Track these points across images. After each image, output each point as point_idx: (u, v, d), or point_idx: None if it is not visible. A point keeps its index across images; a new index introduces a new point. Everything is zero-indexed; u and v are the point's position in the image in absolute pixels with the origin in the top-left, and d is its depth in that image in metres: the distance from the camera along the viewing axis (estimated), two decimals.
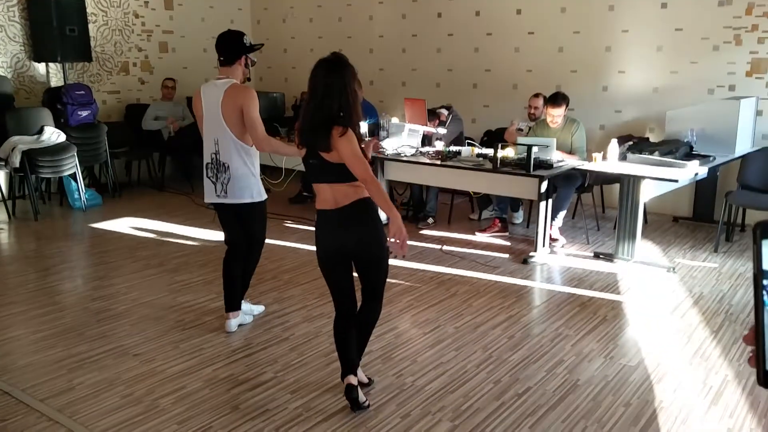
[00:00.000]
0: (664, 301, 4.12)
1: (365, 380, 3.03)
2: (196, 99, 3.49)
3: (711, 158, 4.97)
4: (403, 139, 5.62)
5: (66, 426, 2.71)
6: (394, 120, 5.96)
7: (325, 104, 2.60)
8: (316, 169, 2.69)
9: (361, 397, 2.84)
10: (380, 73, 7.73)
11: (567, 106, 5.19)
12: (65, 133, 6.36)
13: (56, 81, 6.95)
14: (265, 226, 3.68)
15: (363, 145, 2.74)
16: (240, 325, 3.70)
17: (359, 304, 2.90)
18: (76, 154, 6.25)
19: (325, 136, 2.60)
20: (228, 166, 3.42)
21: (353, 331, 2.86)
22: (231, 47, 3.43)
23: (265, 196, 3.57)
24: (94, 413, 2.81)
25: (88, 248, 5.38)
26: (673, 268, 4.65)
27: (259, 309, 3.90)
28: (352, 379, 2.81)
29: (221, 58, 3.44)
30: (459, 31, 7.11)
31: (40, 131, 6.22)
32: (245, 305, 3.79)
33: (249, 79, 3.64)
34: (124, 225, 5.89)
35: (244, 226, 3.58)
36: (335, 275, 2.81)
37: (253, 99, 3.36)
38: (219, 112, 3.36)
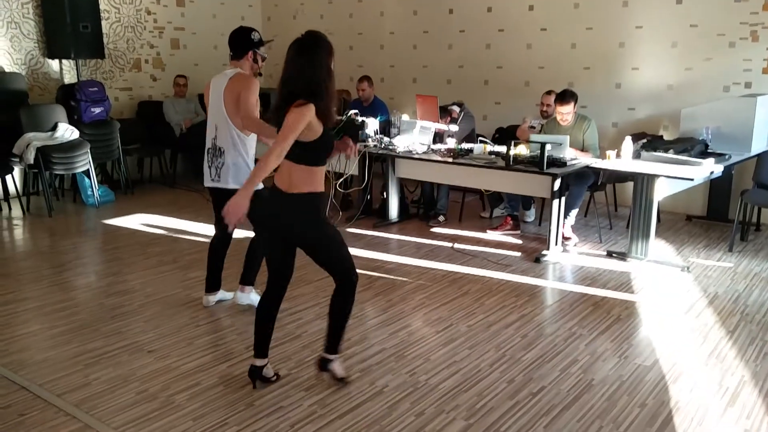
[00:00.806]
0: (678, 300, 4.10)
1: (341, 374, 3.03)
2: (207, 90, 3.67)
3: (726, 156, 4.93)
4: (415, 136, 5.61)
5: (83, 421, 2.73)
6: (405, 117, 5.95)
7: (290, 82, 2.62)
8: None
9: (268, 372, 3.01)
10: (391, 70, 7.71)
11: (576, 103, 5.16)
12: (78, 129, 6.40)
13: (69, 78, 6.99)
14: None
15: (336, 140, 2.84)
16: (219, 301, 3.96)
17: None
18: (89, 150, 6.29)
19: (285, 112, 2.60)
20: (223, 151, 3.57)
21: (275, 316, 2.95)
22: (239, 42, 3.60)
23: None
24: (111, 409, 2.83)
25: (102, 244, 5.41)
26: (688, 268, 4.62)
27: (229, 295, 4.02)
28: (258, 362, 2.95)
29: (231, 53, 3.62)
30: (470, 28, 7.09)
31: (54, 128, 6.25)
32: (254, 294, 3.90)
33: (260, 74, 3.72)
34: (136, 221, 5.92)
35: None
36: (273, 250, 2.88)
37: (252, 85, 3.48)
38: (221, 98, 3.53)
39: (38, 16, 6.72)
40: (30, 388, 3.00)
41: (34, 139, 6.02)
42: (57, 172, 6.32)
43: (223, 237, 3.88)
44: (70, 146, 6.19)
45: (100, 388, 3.00)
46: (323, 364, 3.00)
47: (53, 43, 6.70)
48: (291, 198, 2.71)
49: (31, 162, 5.95)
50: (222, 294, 4.00)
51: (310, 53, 2.62)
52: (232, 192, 3.42)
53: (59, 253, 5.07)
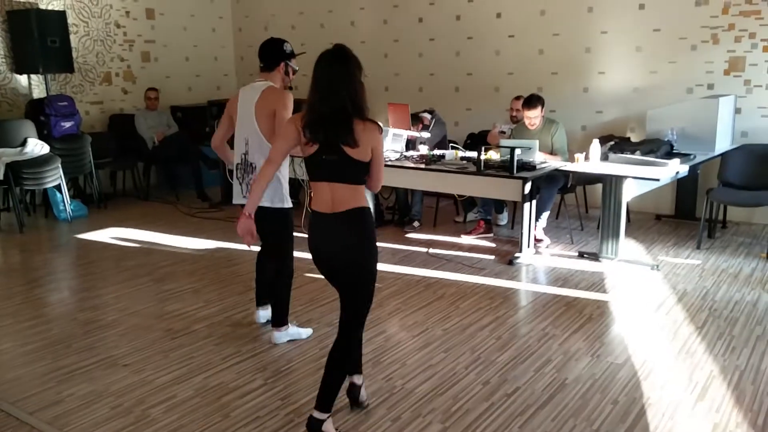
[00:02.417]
0: (648, 298, 4.18)
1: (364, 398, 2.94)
2: (233, 100, 3.49)
3: (692, 156, 5.05)
4: (388, 143, 5.65)
5: None
6: None
7: (331, 95, 2.44)
8: (331, 166, 2.48)
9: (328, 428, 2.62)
10: (363, 79, 7.74)
11: (543, 107, 5.25)
12: (49, 144, 6.32)
13: (38, 92, 6.90)
14: (290, 235, 3.52)
15: None
16: (290, 341, 3.59)
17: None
18: (60, 165, 6.22)
19: (347, 129, 2.43)
20: (255, 167, 3.37)
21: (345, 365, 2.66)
22: (271, 53, 3.45)
23: (289, 204, 3.44)
24: (85, 425, 2.80)
25: (75, 259, 5.35)
26: (657, 266, 4.72)
27: (307, 332, 3.68)
28: (317, 414, 2.59)
29: (262, 65, 3.46)
30: (440, 36, 7.17)
31: (24, 143, 6.17)
32: (292, 328, 3.62)
33: (291, 88, 3.60)
34: (109, 235, 5.86)
35: (264, 231, 3.34)
36: (330, 280, 2.67)
37: (287, 100, 3.33)
38: (252, 113, 3.36)
39: (4, 31, 6.64)
40: (1, 406, 2.96)
41: (3, 155, 5.94)
42: (27, 188, 6.24)
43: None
44: (40, 161, 6.11)
45: (73, 405, 2.97)
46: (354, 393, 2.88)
47: (21, 58, 6.62)
48: (341, 216, 2.51)
49: (1, 178, 5.86)
50: (296, 331, 3.66)
51: (345, 65, 2.48)
52: (265, 210, 3.28)
53: (31, 269, 5.00)
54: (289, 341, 3.57)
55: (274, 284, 3.57)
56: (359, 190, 2.54)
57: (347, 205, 2.50)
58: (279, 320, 3.56)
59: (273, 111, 3.30)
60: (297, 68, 3.56)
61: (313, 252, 2.61)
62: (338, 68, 2.46)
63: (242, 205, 3.39)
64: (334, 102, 2.44)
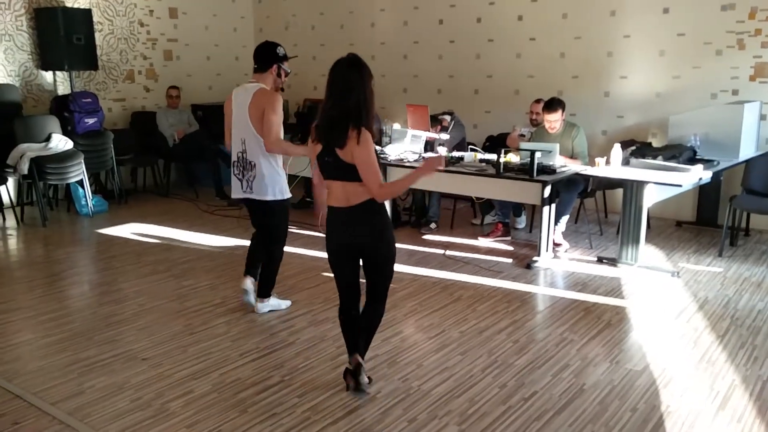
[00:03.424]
0: (668, 305, 4.14)
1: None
2: (228, 102, 3.76)
3: (715, 163, 4.99)
4: (406, 144, 5.66)
5: (77, 429, 2.74)
6: (396, 126, 6.00)
7: (343, 99, 2.67)
8: (331, 166, 2.76)
9: (364, 378, 2.98)
10: (382, 80, 7.75)
11: (564, 110, 5.21)
12: (72, 140, 6.41)
13: (63, 89, 7.01)
14: (287, 223, 3.88)
15: (423, 162, 2.94)
16: (271, 311, 3.98)
17: (362, 303, 3.00)
18: (83, 161, 6.30)
19: (342, 132, 2.67)
20: (254, 165, 3.66)
21: (355, 318, 2.97)
22: (264, 56, 3.68)
23: (288, 195, 3.78)
24: (105, 417, 2.84)
25: (95, 254, 5.42)
26: (677, 273, 4.67)
27: (286, 303, 4.08)
28: (358, 359, 2.96)
29: (255, 66, 3.68)
30: (460, 38, 7.16)
31: (48, 138, 6.27)
32: (273, 299, 4.00)
33: (282, 89, 3.79)
34: (130, 231, 5.93)
35: (266, 221, 3.80)
36: (342, 271, 2.92)
37: (275, 102, 3.57)
38: (246, 114, 3.60)
39: (32, 29, 6.74)
40: (24, 396, 3.01)
41: (28, 150, 6.03)
42: (51, 183, 6.33)
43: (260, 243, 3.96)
44: (63, 156, 6.20)
45: (94, 396, 3.01)
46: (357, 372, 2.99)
47: (47, 55, 6.72)
48: (355, 208, 2.77)
49: (25, 172, 5.96)
50: (276, 302, 4.03)
51: (358, 73, 2.70)
52: (265, 203, 3.70)
53: (53, 262, 5.07)
54: (269, 311, 3.97)
55: (265, 266, 3.89)
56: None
57: (360, 198, 2.75)
58: (265, 293, 3.94)
59: (263, 111, 3.55)
60: (289, 71, 3.77)
61: (335, 243, 2.87)
62: (351, 75, 2.70)
63: (242, 199, 3.82)
64: (344, 107, 2.68)
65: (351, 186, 2.75)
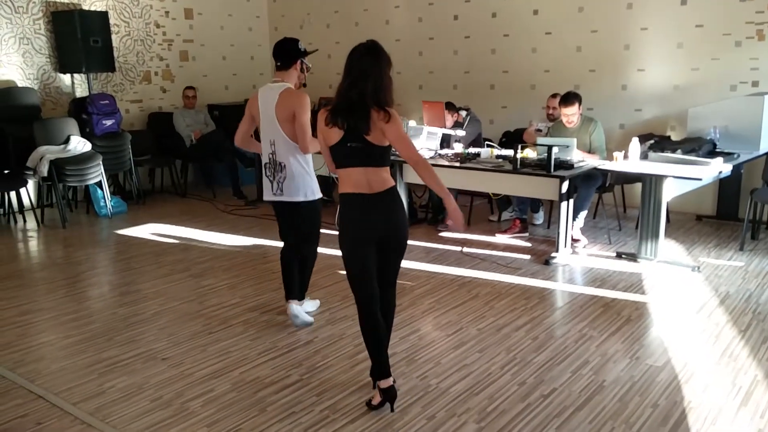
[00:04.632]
0: (689, 300, 4.09)
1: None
2: (253, 100, 3.64)
3: (735, 155, 4.92)
4: (422, 141, 5.64)
5: (99, 429, 2.77)
6: (412, 123, 5.98)
7: (359, 83, 2.64)
8: (356, 152, 2.68)
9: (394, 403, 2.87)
10: (397, 77, 7.64)
11: (580, 104, 5.16)
12: (91, 142, 6.48)
13: (81, 91, 7.08)
14: (320, 223, 3.80)
15: (452, 214, 2.89)
16: (307, 325, 3.82)
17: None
18: (101, 162, 6.37)
19: (364, 117, 2.64)
20: (284, 166, 3.58)
21: (383, 326, 2.85)
22: (286, 52, 3.60)
23: (319, 195, 3.70)
24: (126, 416, 2.87)
25: (115, 254, 5.47)
26: (698, 267, 4.61)
27: (315, 303, 4.06)
28: (390, 381, 2.83)
29: (278, 63, 3.60)
30: (476, 33, 7.12)
31: (67, 141, 6.34)
32: (308, 302, 3.96)
33: (305, 85, 3.74)
34: (148, 231, 5.98)
35: (298, 223, 3.71)
36: (365, 261, 2.79)
37: (305, 104, 3.51)
38: (274, 115, 3.53)
39: (49, 32, 6.82)
40: (46, 397, 3.05)
41: (47, 152, 6.11)
42: (70, 184, 6.41)
43: (291, 248, 3.80)
44: (82, 158, 6.27)
45: (115, 396, 3.04)
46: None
47: (64, 58, 6.80)
48: (381, 195, 2.74)
49: (45, 175, 6.04)
50: (311, 304, 4.01)
51: (376, 58, 2.69)
52: (298, 204, 3.63)
53: (73, 263, 5.14)
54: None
55: (303, 271, 3.82)
56: (388, 171, 2.80)
57: (384, 185, 2.74)
58: (300, 296, 3.87)
59: (293, 113, 3.48)
60: (310, 65, 3.70)
61: (360, 230, 2.77)
62: (369, 60, 2.67)
63: (272, 202, 3.69)
64: (362, 89, 2.64)
65: (374, 172, 2.71)
